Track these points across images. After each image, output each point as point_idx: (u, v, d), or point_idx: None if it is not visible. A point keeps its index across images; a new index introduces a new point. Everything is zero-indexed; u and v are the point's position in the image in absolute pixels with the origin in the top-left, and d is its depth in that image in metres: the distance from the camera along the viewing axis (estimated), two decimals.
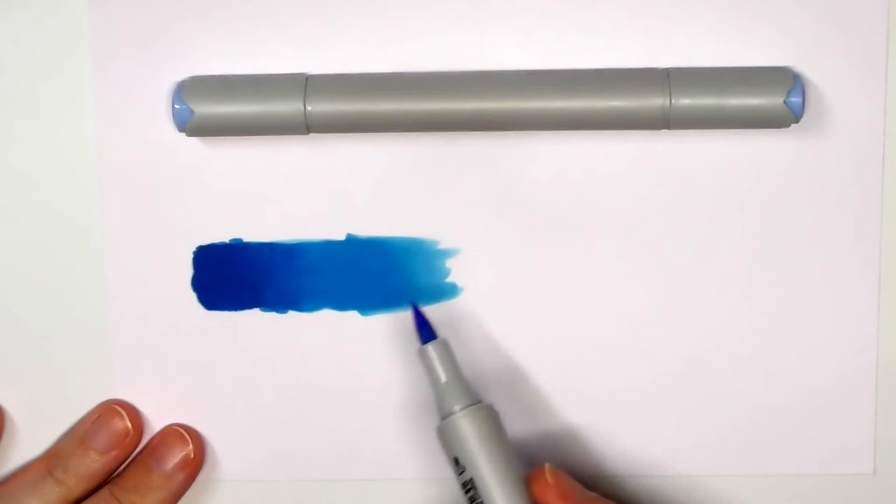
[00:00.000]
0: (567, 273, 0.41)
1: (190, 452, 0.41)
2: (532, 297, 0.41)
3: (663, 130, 0.39)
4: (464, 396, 0.38)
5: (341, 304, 0.41)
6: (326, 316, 0.41)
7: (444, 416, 0.38)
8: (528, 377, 0.41)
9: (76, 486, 0.40)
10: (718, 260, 0.40)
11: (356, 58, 0.40)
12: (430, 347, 0.39)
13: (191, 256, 0.41)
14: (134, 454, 0.41)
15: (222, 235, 0.41)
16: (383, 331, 0.41)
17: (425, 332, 0.39)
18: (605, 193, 0.40)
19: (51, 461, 0.40)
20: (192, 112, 0.38)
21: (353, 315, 0.41)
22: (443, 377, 0.38)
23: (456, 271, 0.41)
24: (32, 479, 0.40)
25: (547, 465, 0.38)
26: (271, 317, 0.41)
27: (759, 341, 0.41)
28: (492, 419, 0.38)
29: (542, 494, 0.37)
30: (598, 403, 0.41)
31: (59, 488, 0.39)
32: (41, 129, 0.40)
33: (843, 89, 0.39)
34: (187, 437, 0.41)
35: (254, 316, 0.41)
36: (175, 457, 0.41)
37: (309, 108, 0.38)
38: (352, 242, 0.41)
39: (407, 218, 0.41)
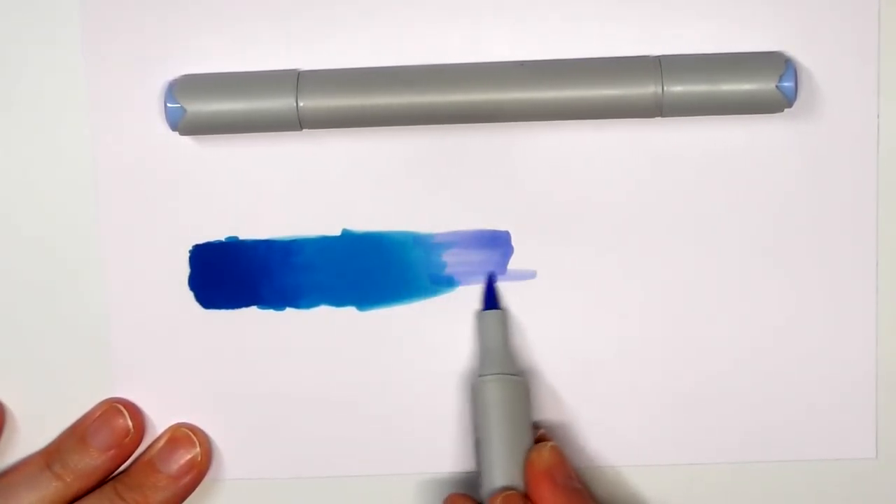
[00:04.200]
0: (563, 262, 0.41)
1: (197, 455, 0.41)
2: (529, 288, 0.41)
3: (656, 118, 0.39)
4: (496, 365, 0.39)
5: (339, 300, 0.41)
6: (324, 312, 0.41)
7: (476, 378, 0.40)
8: (527, 368, 0.41)
9: (74, 483, 0.40)
10: (715, 246, 0.40)
11: (348, 53, 0.40)
12: (485, 315, 0.40)
13: (187, 255, 0.41)
14: (137, 453, 0.41)
15: (218, 234, 0.41)
16: (381, 325, 0.41)
17: (489, 300, 0.41)
18: (598, 182, 0.40)
19: (50, 456, 0.40)
20: (184, 111, 0.38)
21: (350, 310, 0.41)
22: (486, 343, 0.40)
23: (452, 264, 0.41)
24: (31, 473, 0.40)
25: (550, 443, 0.39)
26: (269, 314, 0.41)
27: (758, 328, 0.41)
28: (515, 391, 0.39)
29: (532, 467, 0.38)
30: (600, 393, 0.41)
31: (56, 483, 0.39)
32: (35, 131, 0.40)
33: (835, 73, 0.39)
34: (195, 439, 0.41)
35: (251, 314, 0.41)
36: (182, 458, 0.41)
37: (301, 104, 0.38)
38: (348, 237, 0.41)
39: (402, 212, 0.41)
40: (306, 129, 0.39)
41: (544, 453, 0.38)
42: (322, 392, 0.41)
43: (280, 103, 0.38)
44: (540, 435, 0.40)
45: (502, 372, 0.39)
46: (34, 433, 0.41)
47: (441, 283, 0.41)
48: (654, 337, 0.41)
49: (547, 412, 0.41)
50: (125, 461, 0.41)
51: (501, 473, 0.38)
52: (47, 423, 0.41)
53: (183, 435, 0.41)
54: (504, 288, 0.41)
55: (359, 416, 0.41)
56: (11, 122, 0.40)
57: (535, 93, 0.38)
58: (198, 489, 0.41)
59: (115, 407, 0.41)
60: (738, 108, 0.38)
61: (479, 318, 0.41)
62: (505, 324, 0.40)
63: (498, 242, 0.41)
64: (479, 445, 0.39)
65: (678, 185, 0.40)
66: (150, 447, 0.41)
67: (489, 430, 0.39)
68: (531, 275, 0.41)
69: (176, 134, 0.39)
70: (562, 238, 0.41)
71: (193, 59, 0.40)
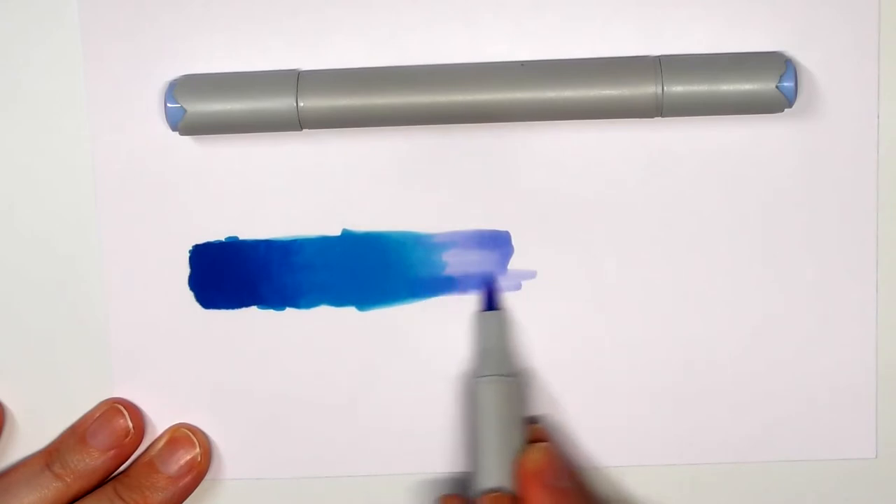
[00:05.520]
0: (563, 263, 0.41)
1: (197, 455, 0.41)
2: (528, 288, 0.41)
3: (656, 118, 0.39)
4: (491, 366, 0.40)
5: (339, 300, 0.41)
6: (324, 312, 0.41)
7: (472, 379, 0.40)
8: (525, 368, 0.41)
9: (74, 483, 0.40)
10: (714, 246, 0.40)
11: (348, 53, 0.40)
12: (484, 315, 0.40)
13: (187, 255, 0.41)
14: (137, 453, 0.41)
15: (218, 234, 0.41)
16: (381, 325, 0.41)
17: (488, 301, 0.41)
18: (598, 182, 0.40)
19: (50, 456, 0.40)
20: (184, 111, 0.38)
21: (350, 311, 0.41)
22: (483, 344, 0.40)
23: (453, 264, 0.41)
24: (31, 473, 0.40)
25: (541, 444, 0.39)
26: (269, 314, 0.41)
27: (758, 327, 0.41)
28: (508, 392, 0.39)
29: (521, 468, 0.38)
30: (601, 393, 0.41)
31: (56, 483, 0.39)
32: (35, 131, 0.41)
33: (835, 73, 0.39)
34: (195, 439, 0.41)
35: (251, 314, 0.41)
36: (181, 459, 0.41)
37: (301, 104, 0.38)
38: (348, 237, 0.41)
39: (402, 212, 0.41)
40: (306, 129, 0.39)
41: (533, 454, 0.38)
42: (322, 392, 0.41)
43: (280, 103, 0.38)
44: (536, 431, 0.40)
45: (497, 373, 0.39)
46: (34, 433, 0.41)
47: (441, 283, 0.41)
48: (654, 336, 0.41)
49: (546, 412, 0.41)
50: (125, 461, 0.41)
51: (492, 474, 0.39)
52: (47, 423, 0.41)
53: (183, 435, 0.41)
54: (504, 288, 0.41)
55: (358, 417, 0.41)
56: (11, 122, 0.41)
57: (535, 93, 0.38)
58: (198, 489, 0.41)
59: (115, 407, 0.41)
60: (738, 109, 0.38)
61: (478, 318, 0.41)
62: (503, 325, 0.40)
63: (498, 242, 0.41)
64: (472, 446, 0.39)
65: (678, 185, 0.40)
66: (150, 447, 0.41)
67: (482, 431, 0.39)
68: (531, 275, 0.41)
69: (176, 134, 0.39)
70: (562, 238, 0.41)
71: (193, 59, 0.40)
